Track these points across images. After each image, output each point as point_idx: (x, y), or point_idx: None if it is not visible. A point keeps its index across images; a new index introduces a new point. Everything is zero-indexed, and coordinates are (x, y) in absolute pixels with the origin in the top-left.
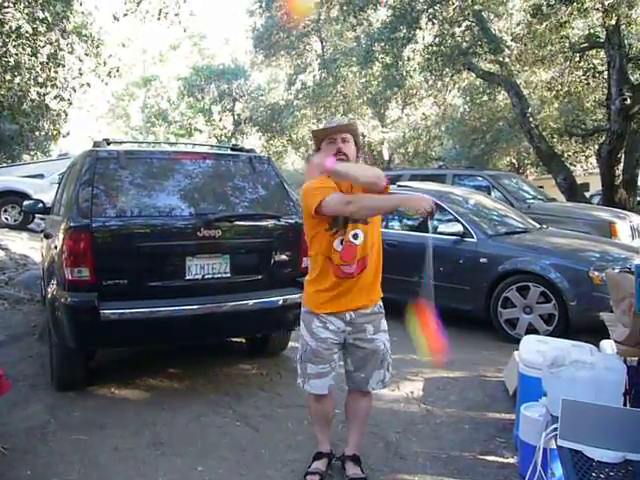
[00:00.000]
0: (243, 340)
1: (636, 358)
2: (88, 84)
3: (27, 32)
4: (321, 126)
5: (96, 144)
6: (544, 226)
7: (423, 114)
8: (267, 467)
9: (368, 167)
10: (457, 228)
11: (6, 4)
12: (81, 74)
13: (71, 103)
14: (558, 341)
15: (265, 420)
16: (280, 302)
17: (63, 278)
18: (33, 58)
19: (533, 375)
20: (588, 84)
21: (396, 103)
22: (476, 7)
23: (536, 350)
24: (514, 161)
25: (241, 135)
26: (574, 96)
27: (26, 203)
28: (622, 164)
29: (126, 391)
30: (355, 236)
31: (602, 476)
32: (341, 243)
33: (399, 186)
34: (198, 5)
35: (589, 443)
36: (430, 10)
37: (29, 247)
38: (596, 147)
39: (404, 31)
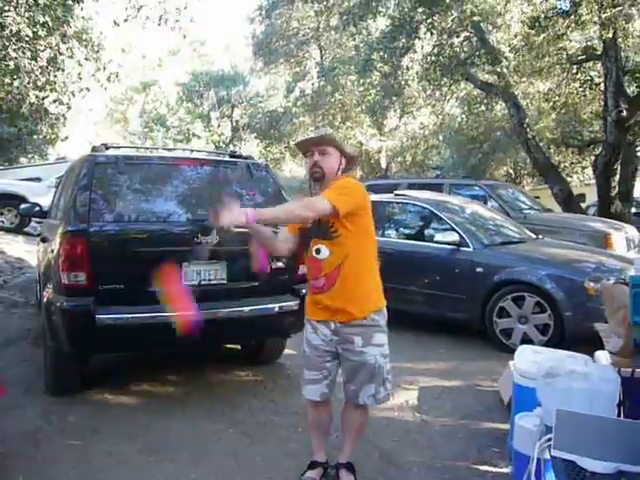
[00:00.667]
0: (238, 347)
1: (630, 369)
2: (87, 89)
3: (27, 36)
4: (299, 139)
5: (94, 149)
6: (540, 236)
7: (421, 123)
8: (260, 474)
9: (290, 204)
10: (453, 237)
11: (7, 8)
12: (80, 78)
13: (70, 107)
14: (553, 351)
15: (259, 427)
16: (276, 309)
17: (59, 282)
18: (33, 62)
19: (528, 385)
20: (585, 96)
21: (394, 112)
22: (475, 18)
23: (531, 360)
24: (511, 171)
25: (239, 141)
26: (571, 107)
27: (23, 206)
28: (618, 176)
29: (120, 396)
30: (317, 251)
31: None
32: (309, 257)
33: (396, 195)
34: (198, 12)
35: (583, 454)
36: (429, 20)
37: (25, 250)
38: (592, 158)
39: (403, 41)
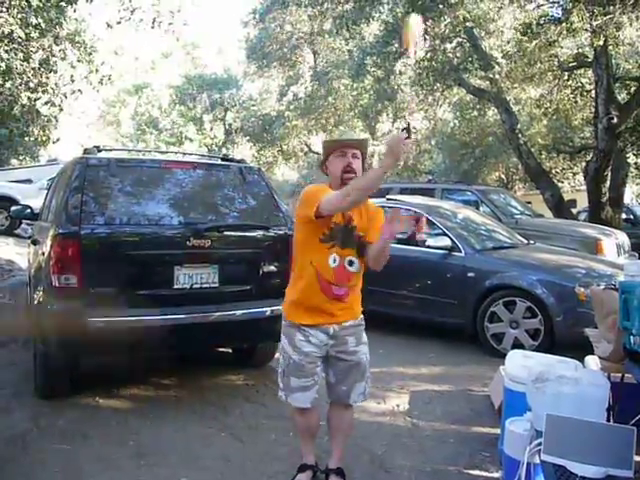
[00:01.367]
0: (230, 350)
1: (620, 374)
2: (80, 90)
3: (20, 37)
4: (335, 137)
5: (86, 151)
6: (531, 242)
7: (414, 128)
8: (251, 478)
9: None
10: (445, 242)
11: None
12: (73, 80)
13: (62, 109)
14: (543, 356)
15: (250, 431)
16: (268, 313)
17: (50, 285)
18: (25, 63)
19: (518, 390)
20: (576, 102)
21: (387, 116)
22: (468, 24)
23: (521, 365)
24: (503, 176)
25: (232, 145)
26: (562, 114)
27: (14, 208)
28: (609, 182)
29: (110, 400)
30: (350, 263)
31: None
32: (334, 261)
33: (388, 199)
34: (192, 15)
35: (573, 458)
36: (422, 26)
37: (15, 253)
38: (583, 164)
39: (396, 45)
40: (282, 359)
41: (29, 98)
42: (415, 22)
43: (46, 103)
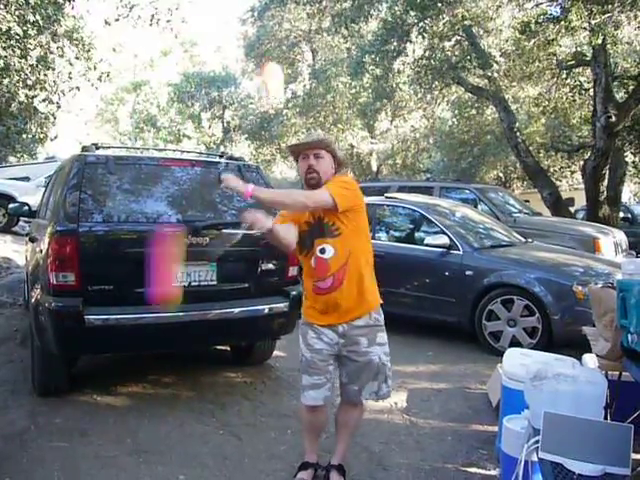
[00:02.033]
0: (228, 348)
1: (617, 372)
2: (77, 88)
3: (17, 34)
4: (294, 141)
5: (84, 148)
6: (529, 240)
7: (412, 126)
8: (249, 476)
9: (291, 190)
10: (443, 240)
11: None
12: (71, 78)
13: (60, 106)
14: (541, 354)
15: (248, 429)
16: (266, 311)
17: (48, 282)
18: (22, 60)
19: (516, 388)
20: (574, 101)
21: (385, 115)
22: (466, 22)
23: (519, 363)
24: (501, 175)
25: (230, 143)
26: (560, 112)
27: (11, 206)
28: (606, 180)
29: (108, 398)
30: (322, 251)
31: None
32: (315, 262)
33: (387, 197)
34: (190, 12)
35: (570, 456)
36: (421, 24)
37: (13, 250)
38: (581, 163)
39: (395, 44)
40: (300, 357)
41: (27, 95)
42: (271, 71)
43: (44, 100)
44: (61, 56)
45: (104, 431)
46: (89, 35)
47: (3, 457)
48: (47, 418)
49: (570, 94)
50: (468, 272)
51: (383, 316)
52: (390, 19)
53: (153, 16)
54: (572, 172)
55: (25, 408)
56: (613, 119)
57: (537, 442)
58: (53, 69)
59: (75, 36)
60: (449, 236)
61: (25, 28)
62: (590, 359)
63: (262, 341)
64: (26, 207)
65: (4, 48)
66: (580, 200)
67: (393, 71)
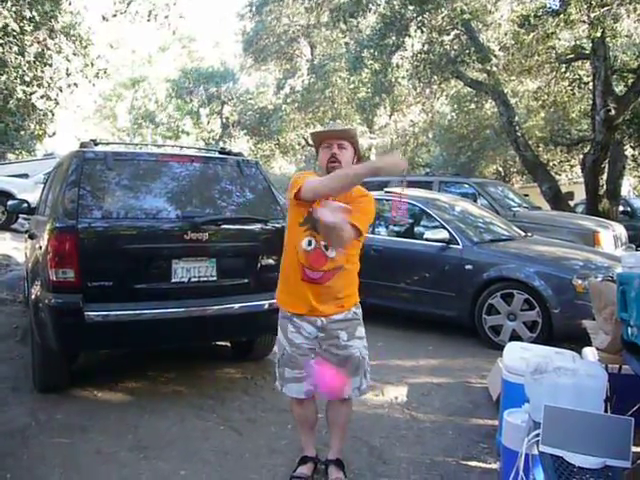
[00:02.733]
0: (228, 344)
1: (617, 365)
2: (75, 84)
3: (14, 31)
4: (319, 129)
5: (83, 145)
6: (529, 234)
7: (411, 121)
8: (250, 471)
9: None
10: (443, 235)
11: None
12: (68, 74)
13: (58, 103)
14: (541, 348)
15: (249, 424)
16: (266, 306)
17: (47, 279)
18: (20, 57)
19: (516, 381)
20: (574, 94)
21: (384, 109)
22: (465, 16)
23: (519, 357)
24: (500, 169)
25: (229, 138)
26: (560, 106)
27: (10, 203)
28: (606, 174)
29: (109, 394)
30: (327, 247)
31: None
32: (309, 244)
33: (386, 192)
34: (188, 8)
35: (571, 449)
36: (419, 18)
37: (12, 247)
38: (581, 157)
39: (393, 38)
40: (278, 349)
41: (24, 92)
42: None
43: (42, 97)
44: (58, 52)
45: (105, 427)
46: (86, 31)
47: (4, 454)
48: (48, 414)
49: (569, 88)
50: (468, 266)
51: (361, 310)
52: (389, 13)
53: (151, 12)
54: (571, 166)
55: (26, 405)
56: (612, 112)
57: (537, 435)
58: (50, 65)
59: (72, 32)
60: (449, 230)
61: (22, 24)
62: (590, 352)
63: (262, 336)
64: (25, 204)
65: (1, 45)
66: (579, 194)
67: (392, 65)
